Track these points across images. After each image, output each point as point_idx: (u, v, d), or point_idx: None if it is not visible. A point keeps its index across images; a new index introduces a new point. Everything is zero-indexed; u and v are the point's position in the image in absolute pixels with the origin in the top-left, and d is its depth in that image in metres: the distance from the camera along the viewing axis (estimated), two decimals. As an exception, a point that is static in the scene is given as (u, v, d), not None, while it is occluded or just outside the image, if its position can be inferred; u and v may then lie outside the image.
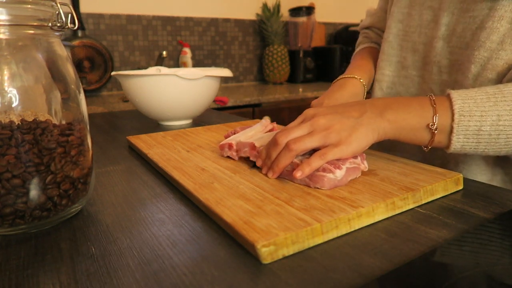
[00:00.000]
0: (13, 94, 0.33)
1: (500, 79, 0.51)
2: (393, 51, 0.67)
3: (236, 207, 0.36)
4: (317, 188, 0.40)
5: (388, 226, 0.35)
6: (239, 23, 2.17)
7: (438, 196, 0.41)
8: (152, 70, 0.80)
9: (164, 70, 0.80)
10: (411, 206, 0.39)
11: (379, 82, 0.70)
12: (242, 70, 2.24)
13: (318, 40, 2.45)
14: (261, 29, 2.20)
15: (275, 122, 0.63)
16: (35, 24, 0.35)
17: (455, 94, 0.43)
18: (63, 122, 0.37)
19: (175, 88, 0.78)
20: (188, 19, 1.99)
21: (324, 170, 0.40)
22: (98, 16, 1.75)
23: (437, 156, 0.62)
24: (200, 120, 0.92)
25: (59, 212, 0.36)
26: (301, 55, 2.22)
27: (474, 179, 0.56)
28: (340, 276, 0.28)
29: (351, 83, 0.67)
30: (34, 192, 0.34)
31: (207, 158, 0.52)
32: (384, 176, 0.43)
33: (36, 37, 0.36)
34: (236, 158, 0.51)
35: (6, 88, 0.33)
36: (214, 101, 1.49)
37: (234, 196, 0.38)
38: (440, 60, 0.59)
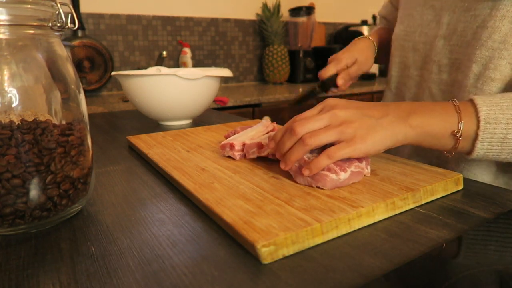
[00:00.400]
0: (13, 94, 0.33)
1: (503, 79, 0.51)
2: (396, 52, 0.69)
3: (236, 207, 0.36)
4: (319, 187, 0.40)
5: (388, 226, 0.35)
6: (239, 23, 2.17)
7: (438, 196, 0.41)
8: (152, 70, 0.80)
9: (164, 70, 0.80)
10: (411, 206, 0.39)
11: (388, 83, 0.73)
12: (242, 70, 2.24)
13: (318, 40, 2.45)
14: (261, 29, 2.20)
15: (275, 122, 0.63)
16: (35, 24, 0.35)
17: (480, 100, 0.42)
18: (63, 122, 0.37)
19: (175, 88, 0.78)
20: (188, 19, 1.99)
21: (329, 170, 0.40)
22: (98, 16, 1.75)
23: (436, 156, 0.62)
24: (200, 120, 0.92)
25: (59, 212, 0.36)
26: (301, 55, 2.22)
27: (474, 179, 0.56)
28: (340, 276, 0.28)
29: (362, 40, 0.78)
30: (34, 192, 0.34)
31: (207, 158, 0.52)
32: (384, 176, 0.43)
33: (36, 37, 0.36)
34: (237, 158, 0.51)
35: (6, 88, 0.33)
36: (214, 101, 1.49)
37: (234, 196, 0.38)
38: (440, 59, 0.59)
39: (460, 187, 0.43)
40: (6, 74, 0.34)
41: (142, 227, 0.36)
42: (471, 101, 0.43)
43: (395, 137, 0.41)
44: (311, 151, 0.43)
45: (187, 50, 1.94)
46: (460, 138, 0.42)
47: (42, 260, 0.31)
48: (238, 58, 2.21)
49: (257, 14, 2.20)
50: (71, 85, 0.38)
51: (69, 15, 0.37)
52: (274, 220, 0.33)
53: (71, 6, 0.40)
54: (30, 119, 0.34)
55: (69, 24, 0.37)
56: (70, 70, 0.38)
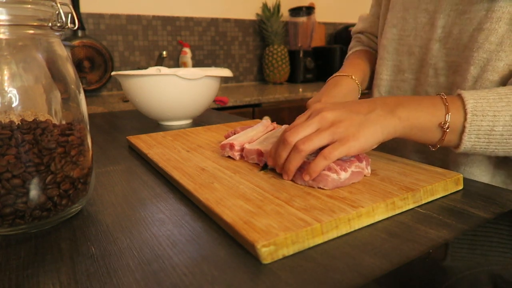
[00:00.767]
0: (13, 94, 0.33)
1: (502, 80, 0.51)
2: (389, 55, 0.67)
3: (236, 207, 0.36)
4: (320, 188, 0.40)
5: (388, 226, 0.35)
6: (239, 23, 2.17)
7: (438, 196, 0.41)
8: (152, 70, 0.80)
9: (164, 70, 0.80)
10: (411, 206, 0.39)
11: (377, 87, 0.71)
12: (242, 70, 2.24)
13: (318, 40, 2.45)
14: (261, 29, 2.20)
15: (275, 122, 0.63)
16: (35, 24, 0.35)
17: (467, 94, 0.43)
18: (63, 122, 0.37)
19: (175, 88, 0.78)
20: (188, 19, 1.99)
21: (329, 169, 0.40)
22: (98, 16, 1.75)
23: (438, 158, 0.62)
24: (200, 120, 0.92)
25: (59, 212, 0.36)
26: (301, 55, 2.22)
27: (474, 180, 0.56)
28: (340, 276, 0.28)
29: (345, 81, 0.68)
30: (34, 192, 0.34)
31: (207, 158, 0.52)
32: (384, 176, 0.43)
33: (36, 37, 0.36)
34: (237, 158, 0.51)
35: (6, 88, 0.33)
36: (214, 101, 1.49)
37: (234, 196, 0.38)
38: (436, 62, 0.59)
39: (460, 187, 0.43)
40: (6, 74, 0.34)
41: (142, 227, 0.36)
42: (459, 95, 0.44)
43: (386, 130, 0.42)
44: (309, 156, 0.43)
45: (187, 50, 1.94)
46: (447, 130, 0.42)
47: (42, 260, 0.31)
48: (238, 58, 2.21)
49: (257, 14, 2.20)
50: (71, 85, 0.38)
51: (69, 15, 0.37)
52: (274, 220, 0.33)
53: (71, 6, 0.40)
54: (30, 119, 0.34)
55: (69, 24, 0.37)
56: (70, 70, 0.38)
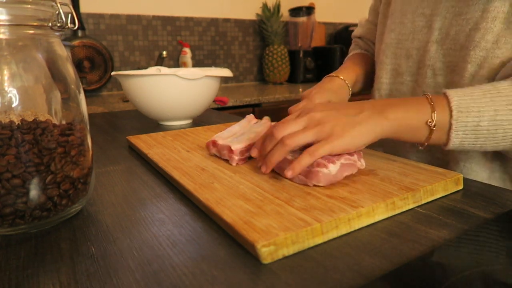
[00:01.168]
0: (13, 94, 0.33)
1: (498, 78, 0.51)
2: (387, 59, 0.69)
3: (236, 207, 0.36)
4: (315, 185, 0.40)
5: (388, 226, 0.35)
6: (239, 23, 2.17)
7: (438, 196, 0.41)
8: (152, 70, 0.80)
9: (164, 70, 0.80)
10: (411, 206, 0.39)
11: (378, 90, 0.73)
12: (242, 70, 2.24)
13: (318, 40, 2.45)
14: (261, 29, 2.20)
15: (275, 122, 0.63)
16: (35, 24, 0.35)
17: (451, 92, 0.44)
18: (63, 122, 0.37)
19: (175, 88, 0.78)
20: (188, 19, 1.99)
21: (318, 165, 0.41)
22: (98, 16, 1.75)
23: (437, 157, 0.62)
24: (200, 120, 0.92)
25: (59, 212, 0.36)
26: (301, 55, 2.22)
27: (473, 177, 0.57)
28: (340, 276, 0.28)
29: (336, 81, 0.72)
30: (34, 192, 0.34)
31: (207, 158, 0.52)
32: (384, 176, 0.43)
33: (36, 37, 0.36)
34: (234, 164, 0.50)
35: (6, 88, 0.33)
36: (214, 101, 1.49)
37: (234, 196, 0.38)
38: (434, 63, 0.60)
39: (460, 187, 0.43)
40: (6, 74, 0.34)
41: (142, 227, 0.36)
42: (444, 93, 0.45)
43: (373, 130, 0.43)
44: (294, 154, 0.44)
45: (187, 50, 1.94)
46: (434, 128, 0.44)
47: (42, 260, 0.31)
48: (238, 58, 2.21)
49: (257, 14, 2.20)
50: (71, 85, 0.38)
51: (69, 15, 0.37)
52: (274, 220, 0.33)
53: (71, 6, 0.40)
54: (30, 119, 0.34)
55: (69, 24, 0.37)
56: (70, 70, 0.38)
